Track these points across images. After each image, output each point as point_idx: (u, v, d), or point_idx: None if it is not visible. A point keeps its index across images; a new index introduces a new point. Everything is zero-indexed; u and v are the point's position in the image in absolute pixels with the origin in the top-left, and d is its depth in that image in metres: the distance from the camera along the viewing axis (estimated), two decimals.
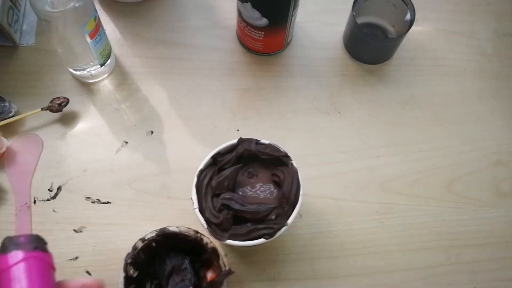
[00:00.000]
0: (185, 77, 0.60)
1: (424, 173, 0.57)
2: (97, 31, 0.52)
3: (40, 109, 0.55)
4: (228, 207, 0.43)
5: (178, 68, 0.60)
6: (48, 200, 0.53)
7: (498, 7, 0.66)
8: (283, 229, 0.43)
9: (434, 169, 0.57)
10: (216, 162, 0.46)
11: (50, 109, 0.55)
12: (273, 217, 0.44)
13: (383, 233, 0.54)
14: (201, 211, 0.44)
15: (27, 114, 0.55)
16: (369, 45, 0.59)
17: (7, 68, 0.59)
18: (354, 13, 0.56)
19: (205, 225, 0.43)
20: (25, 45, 0.60)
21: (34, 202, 0.53)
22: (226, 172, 0.45)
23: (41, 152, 0.55)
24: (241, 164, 0.46)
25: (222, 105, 0.58)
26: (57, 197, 0.53)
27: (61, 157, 0.55)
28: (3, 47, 0.59)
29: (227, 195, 0.44)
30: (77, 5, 0.47)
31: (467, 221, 0.55)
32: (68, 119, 0.57)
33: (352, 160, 0.57)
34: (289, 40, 0.61)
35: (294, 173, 0.45)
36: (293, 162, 0.45)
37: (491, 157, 0.58)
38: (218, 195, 0.44)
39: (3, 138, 0.54)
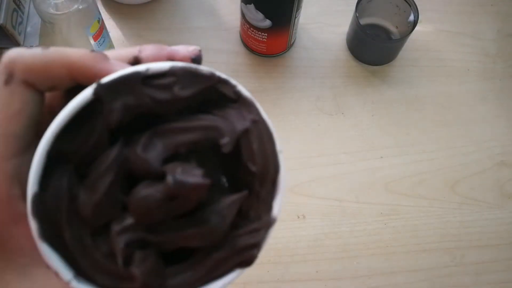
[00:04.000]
0: None
1: (428, 174, 0.57)
2: (101, 33, 0.52)
3: None
4: (143, 242, 0.19)
5: None
6: None
7: (502, 7, 0.66)
8: (271, 230, 0.20)
9: (438, 170, 0.57)
10: (66, 156, 0.19)
11: None
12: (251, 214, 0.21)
13: (387, 234, 0.54)
14: (85, 276, 0.19)
15: None
16: (373, 46, 0.59)
17: None
18: (357, 14, 0.56)
19: None
20: (29, 47, 0.60)
21: None
22: (101, 172, 0.19)
23: None
24: (121, 141, 0.19)
25: None
26: None
27: None
28: (7, 49, 0.59)
29: (126, 218, 0.19)
30: (81, 7, 0.47)
31: (472, 222, 0.55)
32: None
33: (356, 161, 0.57)
34: (292, 41, 0.61)
35: (253, 114, 0.21)
36: (240, 89, 0.22)
37: (496, 158, 0.58)
38: (105, 227, 0.19)
39: None
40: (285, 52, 0.62)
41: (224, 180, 0.21)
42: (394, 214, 0.55)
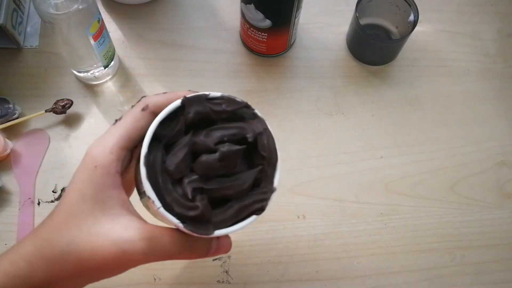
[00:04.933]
0: (188, 79, 0.60)
1: (428, 174, 0.57)
2: (101, 33, 0.52)
3: (44, 111, 0.55)
4: (201, 189, 0.32)
5: (181, 70, 0.60)
6: (52, 201, 0.53)
7: (502, 7, 0.66)
8: (273, 195, 0.34)
9: (438, 170, 0.57)
10: (161, 138, 0.33)
11: (54, 111, 0.55)
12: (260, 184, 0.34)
13: (387, 234, 0.54)
14: (167, 207, 0.32)
15: (31, 116, 0.55)
16: (373, 46, 0.59)
17: (11, 70, 0.59)
18: (357, 14, 0.56)
19: (181, 225, 0.32)
20: (29, 47, 0.60)
21: (38, 203, 0.53)
22: (181, 151, 0.33)
23: (47, 147, 0.56)
24: (192, 131, 0.34)
25: None
26: (61, 199, 0.53)
27: (65, 158, 0.55)
28: (7, 49, 0.59)
29: (193, 175, 0.33)
30: (81, 7, 0.47)
31: (472, 222, 0.55)
32: (72, 121, 0.57)
33: (356, 161, 0.57)
34: (292, 41, 0.61)
35: (263, 125, 0.35)
36: (256, 111, 0.35)
37: (495, 158, 0.58)
38: (179, 180, 0.33)
39: (7, 140, 0.54)
40: (285, 52, 0.62)
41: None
42: (394, 214, 0.55)
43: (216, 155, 0.32)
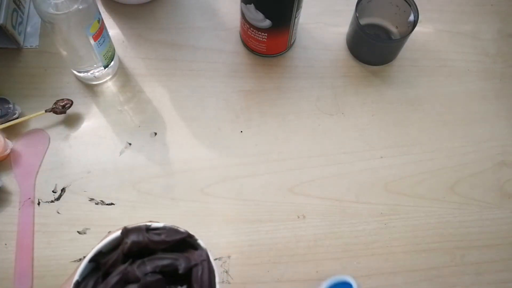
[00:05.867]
0: (188, 79, 0.60)
1: (428, 174, 0.57)
2: (101, 33, 0.52)
3: (44, 111, 0.55)
4: None
5: (181, 70, 0.60)
6: (52, 201, 0.53)
7: (502, 7, 0.66)
8: None
9: (438, 170, 0.57)
10: (100, 266, 0.35)
11: (54, 111, 0.55)
12: None
13: (387, 234, 0.54)
14: None
15: (31, 116, 0.55)
16: (373, 46, 0.59)
17: (11, 70, 0.59)
18: (357, 14, 0.56)
19: None
20: (29, 47, 0.60)
21: (38, 203, 0.53)
22: (113, 279, 0.34)
23: (47, 147, 0.56)
24: (130, 261, 0.35)
25: (226, 106, 0.58)
26: (61, 199, 0.54)
27: (65, 158, 0.55)
28: (7, 49, 0.59)
29: None
30: (81, 7, 0.47)
31: (472, 222, 0.55)
32: (72, 121, 0.57)
33: (356, 161, 0.57)
34: (292, 41, 0.61)
35: (203, 256, 0.35)
36: (199, 242, 0.36)
37: (495, 158, 0.58)
38: None
39: (7, 140, 0.54)
40: (285, 52, 0.62)
41: None
42: (394, 214, 0.55)
43: (135, 286, 0.33)
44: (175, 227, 0.36)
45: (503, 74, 0.62)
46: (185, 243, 0.36)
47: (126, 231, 0.36)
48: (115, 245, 0.36)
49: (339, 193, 0.55)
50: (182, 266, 0.34)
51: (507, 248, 0.54)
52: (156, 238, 0.35)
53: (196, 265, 0.35)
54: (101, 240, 0.35)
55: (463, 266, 0.53)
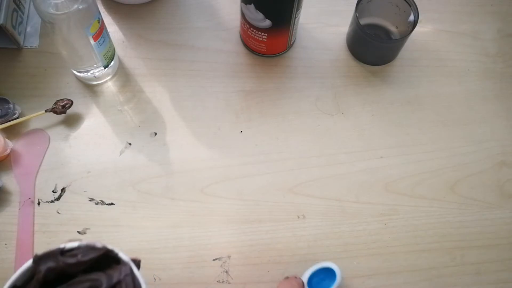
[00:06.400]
0: (188, 79, 0.60)
1: (428, 174, 0.57)
2: (101, 33, 0.52)
3: (44, 111, 0.55)
4: None
5: (181, 70, 0.60)
6: (52, 201, 0.53)
7: (502, 7, 0.66)
8: None
9: (438, 170, 0.57)
10: None
11: (54, 111, 0.55)
12: None
13: (387, 234, 0.54)
14: None
15: (31, 116, 0.55)
16: (373, 46, 0.59)
17: (11, 70, 0.59)
18: (357, 14, 0.56)
19: None
20: (29, 47, 0.60)
21: (38, 203, 0.53)
22: None
23: (47, 147, 0.56)
24: None
25: (226, 106, 0.58)
26: (61, 199, 0.54)
27: (65, 158, 0.55)
28: (7, 49, 0.59)
29: None
30: (81, 7, 0.47)
31: (472, 222, 0.55)
32: (72, 121, 0.57)
33: (356, 161, 0.57)
34: (292, 41, 0.61)
35: (126, 271, 0.34)
36: (121, 255, 0.34)
37: (495, 158, 0.58)
38: None
39: (7, 140, 0.54)
40: (285, 52, 0.62)
41: None
42: (394, 214, 0.55)
43: None
44: (92, 244, 0.34)
45: (503, 74, 0.62)
46: (108, 258, 0.34)
47: (37, 259, 0.33)
48: (29, 276, 0.33)
49: (339, 193, 0.55)
50: (103, 286, 0.33)
51: (507, 248, 0.54)
52: (71, 260, 0.33)
53: (119, 282, 0.33)
54: (17, 271, 0.33)
55: (463, 266, 0.53)
